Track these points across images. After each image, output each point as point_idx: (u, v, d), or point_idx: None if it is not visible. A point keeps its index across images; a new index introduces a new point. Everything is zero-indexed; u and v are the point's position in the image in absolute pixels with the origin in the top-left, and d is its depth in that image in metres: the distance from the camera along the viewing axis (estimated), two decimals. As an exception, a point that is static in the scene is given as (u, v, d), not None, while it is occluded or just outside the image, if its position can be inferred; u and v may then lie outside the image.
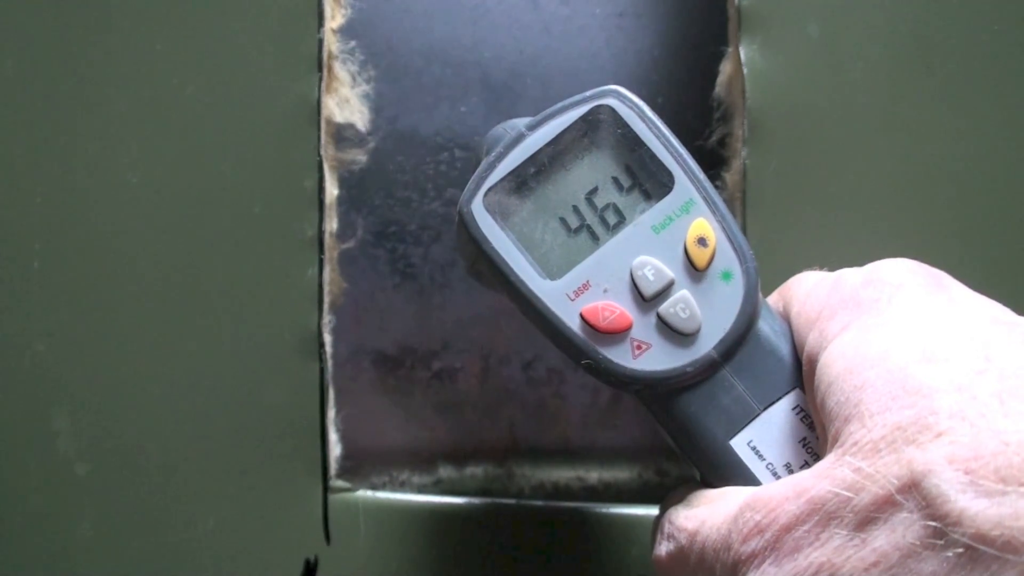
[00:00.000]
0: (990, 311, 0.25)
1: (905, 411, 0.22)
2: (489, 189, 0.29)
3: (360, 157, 0.40)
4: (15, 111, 0.39)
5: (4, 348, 0.39)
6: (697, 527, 0.26)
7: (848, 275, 0.27)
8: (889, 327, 0.24)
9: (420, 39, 0.42)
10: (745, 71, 0.37)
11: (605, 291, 0.28)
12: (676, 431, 0.29)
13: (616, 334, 0.28)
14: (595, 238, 0.29)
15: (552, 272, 0.29)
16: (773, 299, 0.31)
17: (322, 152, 0.39)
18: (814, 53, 0.37)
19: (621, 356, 0.28)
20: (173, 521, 0.38)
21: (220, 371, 0.38)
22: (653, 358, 0.28)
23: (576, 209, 0.29)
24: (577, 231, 0.29)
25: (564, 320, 0.28)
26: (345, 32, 0.40)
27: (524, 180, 0.29)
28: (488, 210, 0.29)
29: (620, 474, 0.43)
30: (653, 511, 0.37)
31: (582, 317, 0.28)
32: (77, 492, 0.38)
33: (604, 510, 0.38)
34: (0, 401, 0.39)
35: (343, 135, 0.40)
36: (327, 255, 0.39)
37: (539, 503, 0.39)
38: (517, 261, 0.29)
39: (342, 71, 0.39)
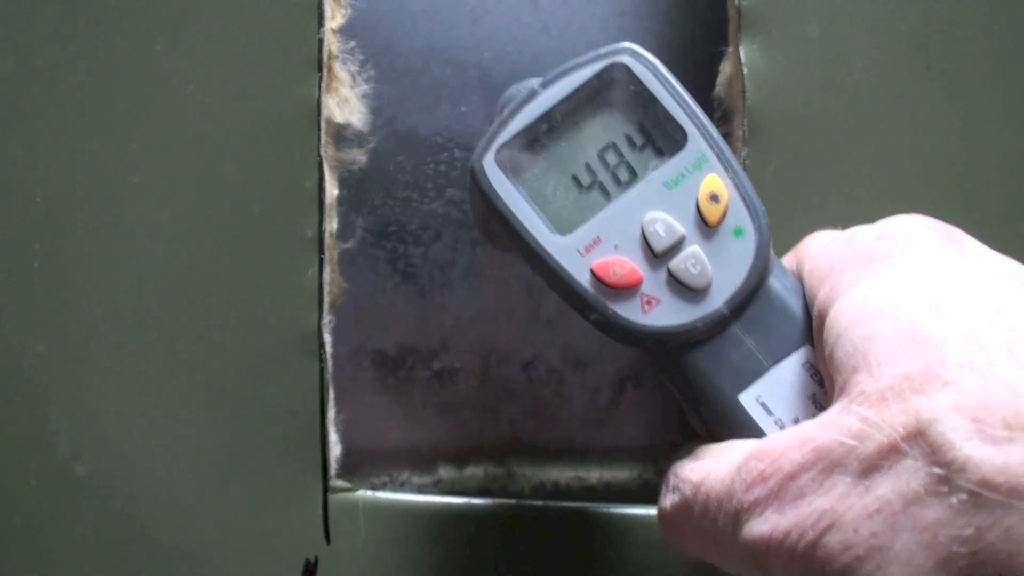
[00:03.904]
0: (1003, 266, 0.25)
1: (913, 361, 0.22)
2: (502, 146, 0.29)
3: (360, 157, 0.40)
4: (15, 111, 0.39)
5: (4, 348, 0.39)
6: (702, 478, 0.26)
7: (861, 231, 0.27)
8: (900, 279, 0.24)
9: (420, 39, 0.42)
10: (745, 71, 0.37)
11: (616, 247, 0.28)
12: (685, 386, 0.29)
13: (626, 289, 0.28)
14: (607, 194, 0.29)
15: (563, 228, 0.29)
16: (788, 260, 0.31)
17: (322, 152, 0.39)
18: (814, 53, 0.37)
19: (631, 311, 0.28)
20: (173, 521, 0.38)
21: (220, 371, 0.38)
22: (663, 313, 0.28)
23: (588, 166, 0.29)
24: (589, 187, 0.29)
25: (574, 275, 0.28)
26: (345, 32, 0.40)
27: (536, 137, 0.29)
28: (500, 166, 0.29)
29: (620, 474, 0.43)
30: (653, 511, 0.37)
31: (592, 272, 0.28)
32: (76, 492, 0.38)
33: (604, 510, 0.38)
34: (0, 401, 0.39)
35: (343, 135, 0.40)
36: (327, 255, 0.39)
37: (539, 503, 0.39)
38: (528, 216, 0.29)
39: (342, 71, 0.39)
